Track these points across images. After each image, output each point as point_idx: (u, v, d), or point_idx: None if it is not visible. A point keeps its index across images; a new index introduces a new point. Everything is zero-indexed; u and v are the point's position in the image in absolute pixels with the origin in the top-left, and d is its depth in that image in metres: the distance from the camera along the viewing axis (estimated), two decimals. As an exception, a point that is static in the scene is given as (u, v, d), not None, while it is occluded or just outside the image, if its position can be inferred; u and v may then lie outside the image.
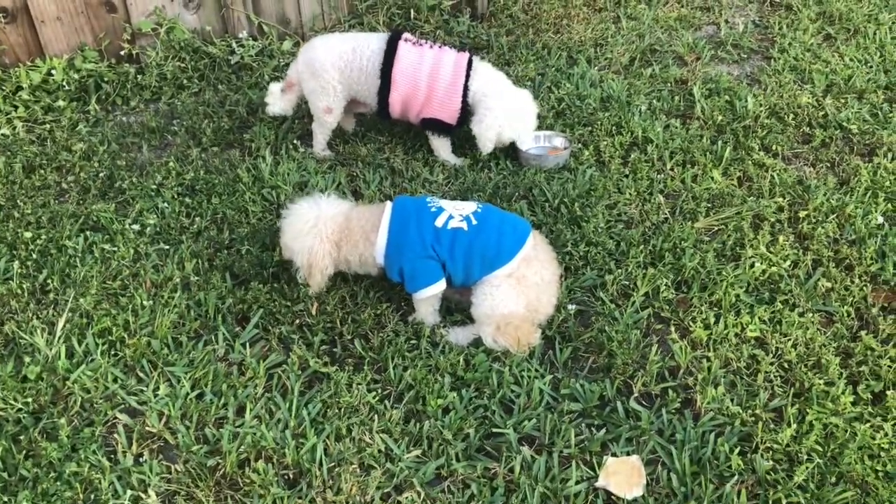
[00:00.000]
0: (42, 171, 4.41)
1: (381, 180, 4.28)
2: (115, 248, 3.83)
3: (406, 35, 4.24)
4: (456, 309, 3.52)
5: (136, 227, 3.98)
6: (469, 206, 3.34)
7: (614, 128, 4.60)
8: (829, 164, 4.35)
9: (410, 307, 3.49)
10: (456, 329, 3.40)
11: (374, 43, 4.22)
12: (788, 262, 3.68)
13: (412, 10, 5.66)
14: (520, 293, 3.26)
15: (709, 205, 4.03)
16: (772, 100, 4.81)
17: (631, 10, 5.87)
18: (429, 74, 4.15)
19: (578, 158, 4.38)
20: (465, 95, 4.20)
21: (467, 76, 4.18)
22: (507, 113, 4.18)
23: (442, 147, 4.40)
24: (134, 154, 4.62)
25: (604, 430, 2.94)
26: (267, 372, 3.23)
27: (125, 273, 3.68)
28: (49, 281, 3.63)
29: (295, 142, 4.60)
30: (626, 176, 4.25)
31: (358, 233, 3.36)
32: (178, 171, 4.36)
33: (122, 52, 5.24)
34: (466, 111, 4.24)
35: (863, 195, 4.03)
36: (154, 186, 4.26)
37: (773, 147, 4.42)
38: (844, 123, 4.55)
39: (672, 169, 4.32)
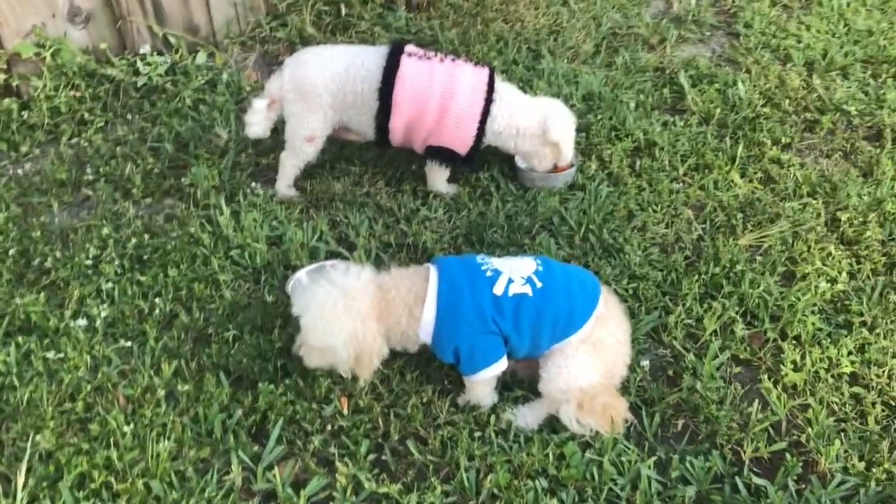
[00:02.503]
0: (-72, 256, 3.44)
1: (370, 223, 3.61)
2: (63, 356, 2.98)
3: (409, 48, 3.51)
4: (513, 382, 2.96)
5: (82, 321, 3.13)
6: (528, 265, 2.77)
7: (612, 132, 4.12)
8: (843, 154, 4.07)
9: (456, 385, 2.90)
10: (523, 410, 2.85)
11: (368, 60, 3.49)
12: (844, 274, 3.37)
13: (342, 5, 4.91)
14: (597, 360, 2.74)
15: (741, 213, 3.65)
16: (760, 84, 4.48)
17: (576, -11, 5.38)
18: (441, 94, 3.44)
19: (585, 172, 3.88)
20: (483, 121, 3.52)
21: (489, 98, 3.50)
22: (566, 118, 3.64)
23: (439, 177, 3.75)
24: (45, 218, 3.69)
25: (738, 521, 2.51)
26: (310, 502, 2.56)
27: (85, 389, 2.86)
28: (-19, 416, 2.77)
29: (253, 184, 3.82)
30: (643, 189, 3.79)
31: (399, 306, 2.72)
32: (113, 237, 3.50)
33: (-4, 84, 4.22)
34: (480, 141, 3.58)
35: (895, 188, 3.76)
36: (88, 262, 3.39)
37: (782, 139, 4.09)
38: (844, 106, 4.29)
39: (687, 175, 3.91)
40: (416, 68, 3.42)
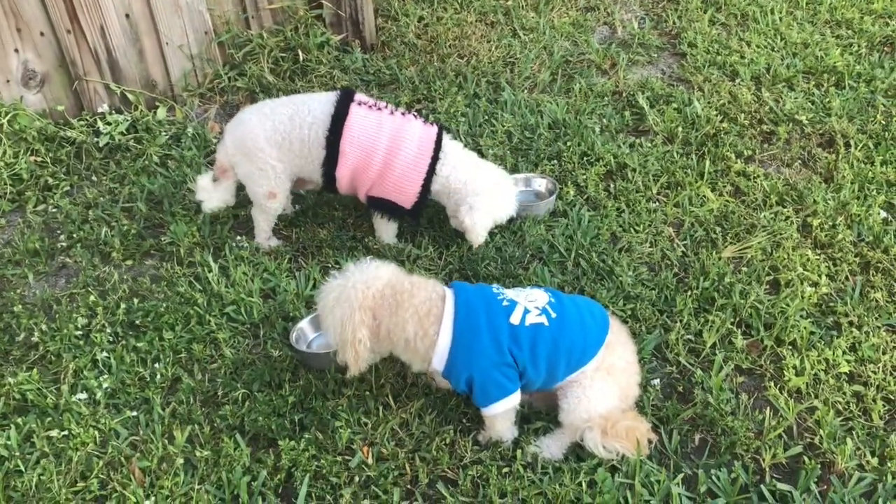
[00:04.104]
0: None
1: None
2: (67, 433, 2.87)
3: (359, 96, 3.52)
4: (531, 413, 2.98)
5: (82, 395, 3.02)
6: (542, 296, 2.80)
7: (583, 157, 4.21)
8: (801, 161, 4.26)
9: (476, 423, 2.91)
10: (546, 441, 2.87)
11: (316, 107, 3.48)
12: (824, 278, 3.52)
13: (300, 52, 4.91)
14: (613, 385, 2.79)
15: (718, 227, 3.77)
16: (714, 100, 4.66)
17: (523, 21, 5.49)
18: (386, 147, 3.45)
19: (564, 199, 3.95)
20: (427, 180, 3.52)
21: (435, 157, 3.51)
22: (496, 201, 3.57)
23: (386, 231, 3.71)
24: (23, 290, 3.56)
25: (772, 528, 2.58)
26: (349, 558, 2.53)
27: (97, 465, 2.76)
28: (-11, 507, 2.65)
29: (238, 237, 3.76)
30: (622, 211, 3.89)
31: (408, 311, 2.69)
32: (101, 304, 3.39)
33: (-48, 156, 4.07)
34: (425, 197, 3.57)
35: (856, 191, 3.96)
36: (77, 332, 3.28)
37: (744, 152, 4.26)
38: (795, 116, 4.49)
39: (660, 193, 4.03)
40: (365, 118, 3.44)
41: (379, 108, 3.51)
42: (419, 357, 2.76)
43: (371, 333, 2.71)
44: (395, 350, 2.79)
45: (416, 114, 3.62)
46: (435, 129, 3.56)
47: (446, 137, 3.60)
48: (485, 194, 3.52)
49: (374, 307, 2.68)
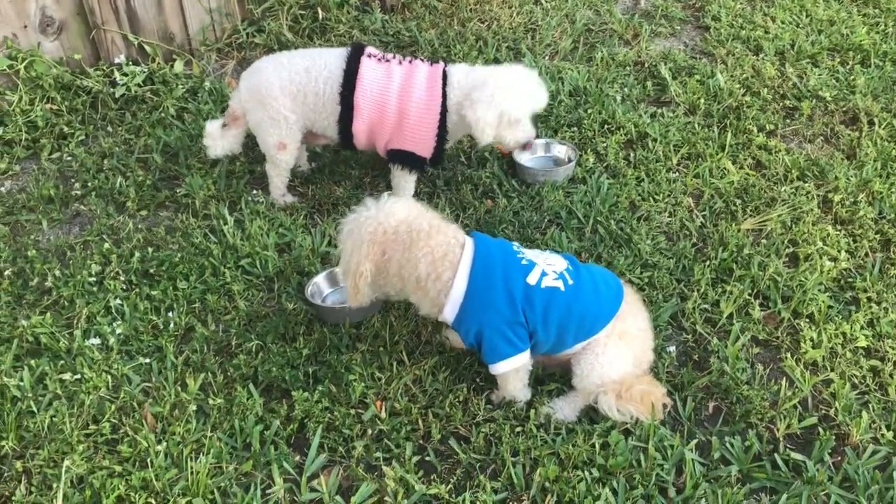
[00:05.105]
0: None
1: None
2: (80, 377, 2.86)
3: (370, 49, 3.48)
4: (544, 375, 2.96)
5: (95, 340, 3.01)
6: (560, 262, 2.77)
7: (603, 125, 4.17)
8: (824, 138, 4.21)
9: (490, 383, 2.89)
10: (559, 403, 2.85)
11: (331, 61, 3.44)
12: (844, 253, 3.48)
13: (319, 10, 4.85)
14: (626, 350, 2.77)
15: (738, 199, 3.74)
16: (737, 74, 4.60)
17: (545, -12, 5.43)
18: (398, 96, 3.40)
19: (584, 166, 3.91)
20: (442, 120, 3.45)
21: (444, 94, 3.43)
22: (506, 88, 3.34)
23: (405, 186, 3.65)
24: (37, 236, 3.54)
25: (785, 496, 2.55)
26: (360, 509, 2.52)
27: (109, 410, 2.75)
28: (2, 443, 2.64)
29: (254, 191, 3.73)
30: (641, 180, 3.85)
31: (422, 250, 2.63)
32: (115, 252, 3.38)
33: (-33, 100, 4.04)
34: (443, 140, 3.51)
35: (878, 169, 3.91)
36: (91, 279, 3.26)
37: (767, 126, 4.21)
38: (819, 93, 4.43)
39: (680, 164, 3.99)
40: (375, 70, 3.39)
41: (387, 60, 3.46)
42: (429, 300, 2.71)
43: (378, 269, 2.67)
44: (405, 289, 2.73)
45: (423, 58, 3.56)
46: (440, 66, 3.47)
47: (452, 67, 3.49)
48: (488, 86, 3.35)
49: (385, 242, 2.64)
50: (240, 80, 3.55)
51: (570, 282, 2.71)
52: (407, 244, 2.64)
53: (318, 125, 3.54)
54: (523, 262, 2.71)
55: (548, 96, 3.53)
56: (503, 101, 3.33)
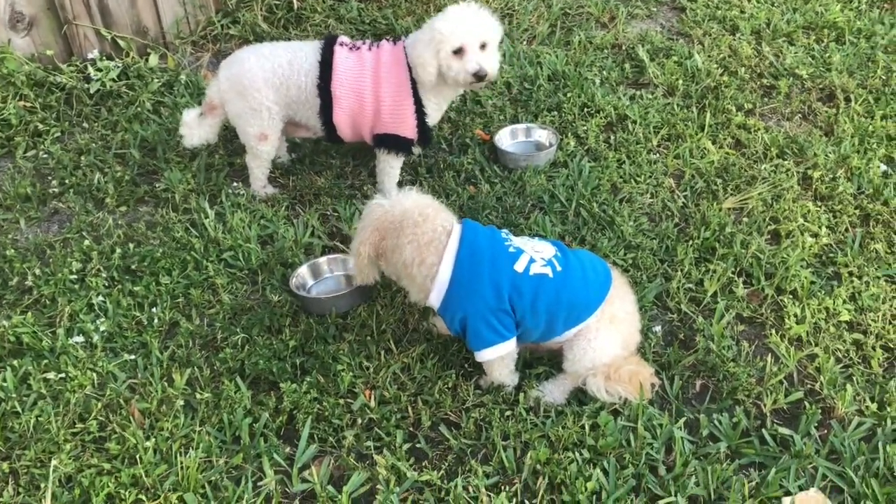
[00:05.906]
0: None
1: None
2: (64, 376, 2.83)
3: (341, 38, 3.46)
4: (532, 359, 2.97)
5: (79, 338, 2.98)
6: (548, 249, 2.76)
7: (583, 108, 4.17)
8: (802, 115, 4.23)
9: (478, 369, 2.89)
10: (548, 386, 2.86)
11: (311, 54, 3.42)
12: (824, 229, 3.51)
13: (294, 0, 4.81)
14: (615, 334, 2.77)
15: (719, 179, 3.76)
16: (714, 54, 4.62)
17: (521, -27, 5.41)
18: (372, 81, 3.39)
19: (565, 150, 3.92)
20: (416, 93, 3.41)
21: (409, 68, 3.38)
22: (440, 20, 3.27)
23: (390, 173, 3.62)
24: (14, 235, 3.50)
25: (773, 470, 2.58)
26: (350, 499, 2.51)
27: (96, 407, 2.73)
28: (-13, 446, 2.61)
29: (235, 184, 3.70)
30: (623, 162, 3.86)
31: (408, 237, 2.65)
32: (96, 249, 3.34)
33: (-62, 99, 3.97)
34: (423, 116, 3.47)
35: (856, 145, 3.94)
36: (72, 276, 3.23)
37: (745, 105, 4.23)
38: (796, 71, 4.46)
39: (660, 145, 4.00)
40: (347, 59, 3.38)
41: (357, 48, 3.45)
42: (416, 286, 2.74)
43: (377, 252, 2.74)
44: (396, 272, 2.78)
45: (387, 38, 3.52)
46: (402, 41, 3.45)
47: (408, 38, 3.44)
48: (425, 26, 3.33)
49: (385, 229, 2.70)
50: (219, 70, 3.51)
51: (559, 268, 2.70)
52: (398, 231, 2.67)
53: (298, 115, 3.52)
54: (511, 249, 2.71)
55: (496, 23, 3.35)
56: (438, 33, 3.25)
